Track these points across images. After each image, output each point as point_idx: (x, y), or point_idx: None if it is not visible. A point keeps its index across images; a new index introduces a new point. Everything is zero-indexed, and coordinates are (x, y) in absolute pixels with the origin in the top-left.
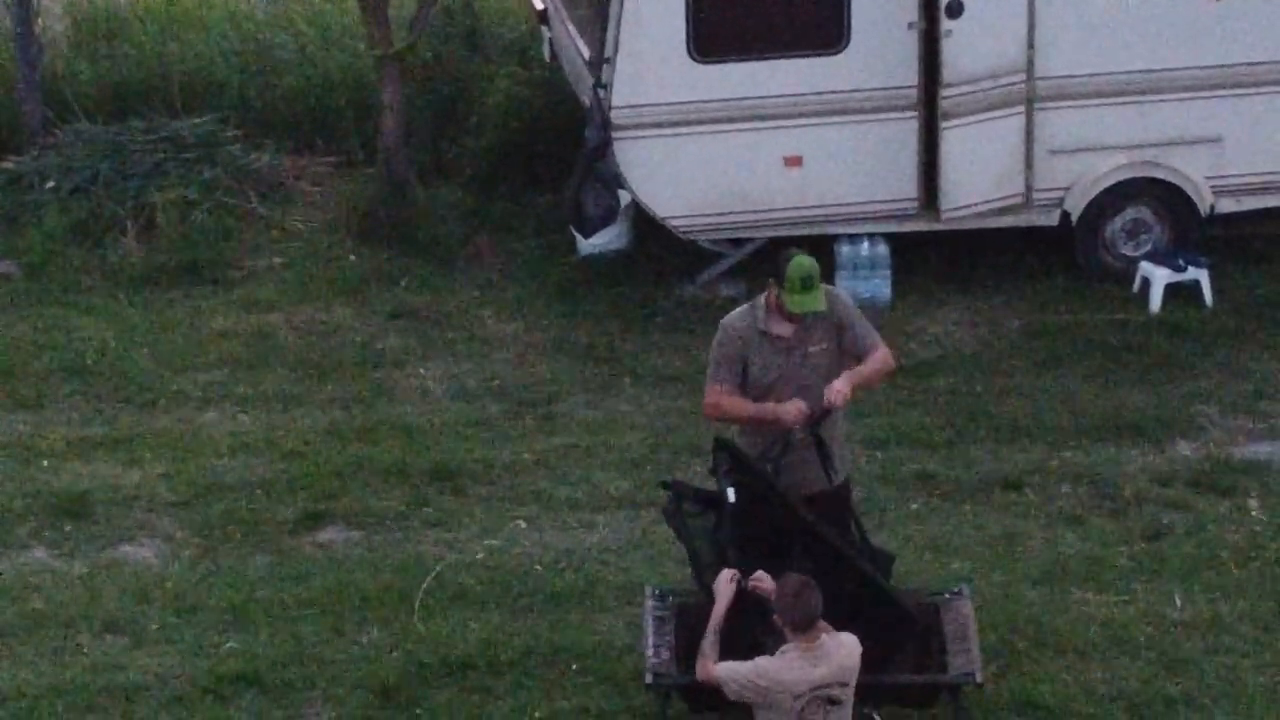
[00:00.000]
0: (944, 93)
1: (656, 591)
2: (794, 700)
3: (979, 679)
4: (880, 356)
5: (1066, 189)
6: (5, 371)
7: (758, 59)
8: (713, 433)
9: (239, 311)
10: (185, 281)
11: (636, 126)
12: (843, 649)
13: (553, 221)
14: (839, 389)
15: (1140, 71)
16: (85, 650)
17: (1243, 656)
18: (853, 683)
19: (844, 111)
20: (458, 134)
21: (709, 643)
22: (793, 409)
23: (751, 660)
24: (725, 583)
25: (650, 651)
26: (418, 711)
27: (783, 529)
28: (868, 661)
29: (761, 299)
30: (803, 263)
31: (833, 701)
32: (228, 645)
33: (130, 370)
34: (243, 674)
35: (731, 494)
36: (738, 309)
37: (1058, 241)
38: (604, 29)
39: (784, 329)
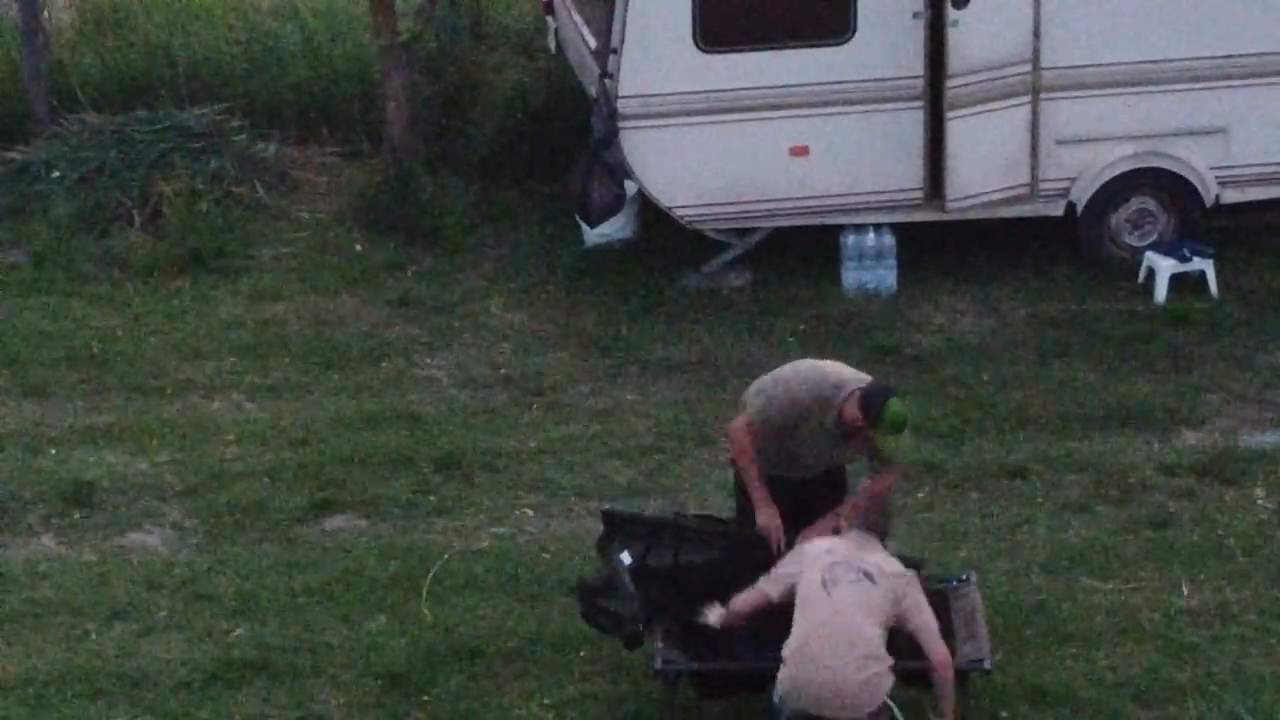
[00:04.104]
0: (950, 83)
1: None
2: (825, 554)
3: (988, 666)
4: (884, 483)
5: (1072, 179)
6: (12, 360)
7: (764, 49)
8: (720, 420)
9: (245, 301)
10: (191, 271)
11: (643, 116)
12: (893, 561)
13: (559, 211)
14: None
15: (1146, 62)
16: (94, 637)
17: (1250, 644)
18: (892, 577)
19: (850, 101)
20: (463, 124)
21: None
22: (771, 530)
23: None
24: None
25: (658, 638)
26: (425, 698)
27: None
28: None
29: (837, 407)
30: (900, 410)
31: (864, 574)
32: (236, 632)
33: (137, 359)
34: (251, 661)
35: (627, 556)
36: (809, 386)
37: (1063, 232)
38: (610, 19)
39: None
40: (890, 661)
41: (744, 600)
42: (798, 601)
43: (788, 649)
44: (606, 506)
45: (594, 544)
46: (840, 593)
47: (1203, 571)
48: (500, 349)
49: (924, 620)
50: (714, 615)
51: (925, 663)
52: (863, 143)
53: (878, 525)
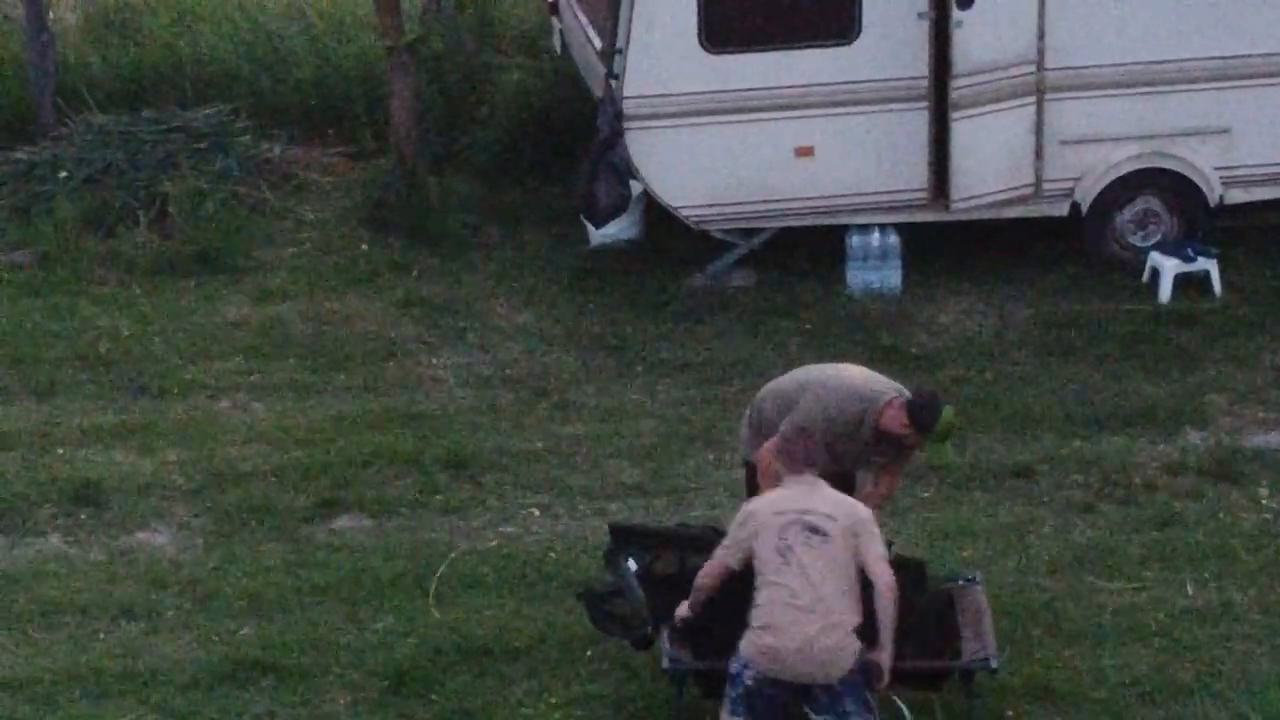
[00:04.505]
0: (954, 83)
1: None
2: (775, 516)
3: (994, 665)
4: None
5: (1076, 179)
6: (19, 360)
7: (769, 50)
8: (722, 426)
9: (251, 301)
10: (197, 271)
11: (648, 117)
12: (838, 496)
13: (564, 211)
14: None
15: (1150, 62)
16: (101, 637)
17: (1255, 643)
18: (844, 523)
19: (855, 102)
20: (469, 125)
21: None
22: None
23: None
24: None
25: (665, 637)
26: (433, 697)
27: None
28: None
29: (875, 417)
30: (953, 419)
31: (815, 530)
32: (243, 632)
33: (143, 359)
34: (259, 660)
35: (633, 564)
36: (844, 404)
37: (1067, 232)
38: (615, 20)
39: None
40: (857, 621)
41: (706, 573)
42: (757, 571)
43: (754, 619)
44: (612, 520)
45: (602, 556)
46: (798, 559)
47: (1208, 571)
48: (506, 349)
49: (876, 551)
50: (683, 609)
51: (932, 662)
52: (868, 143)
53: (811, 458)
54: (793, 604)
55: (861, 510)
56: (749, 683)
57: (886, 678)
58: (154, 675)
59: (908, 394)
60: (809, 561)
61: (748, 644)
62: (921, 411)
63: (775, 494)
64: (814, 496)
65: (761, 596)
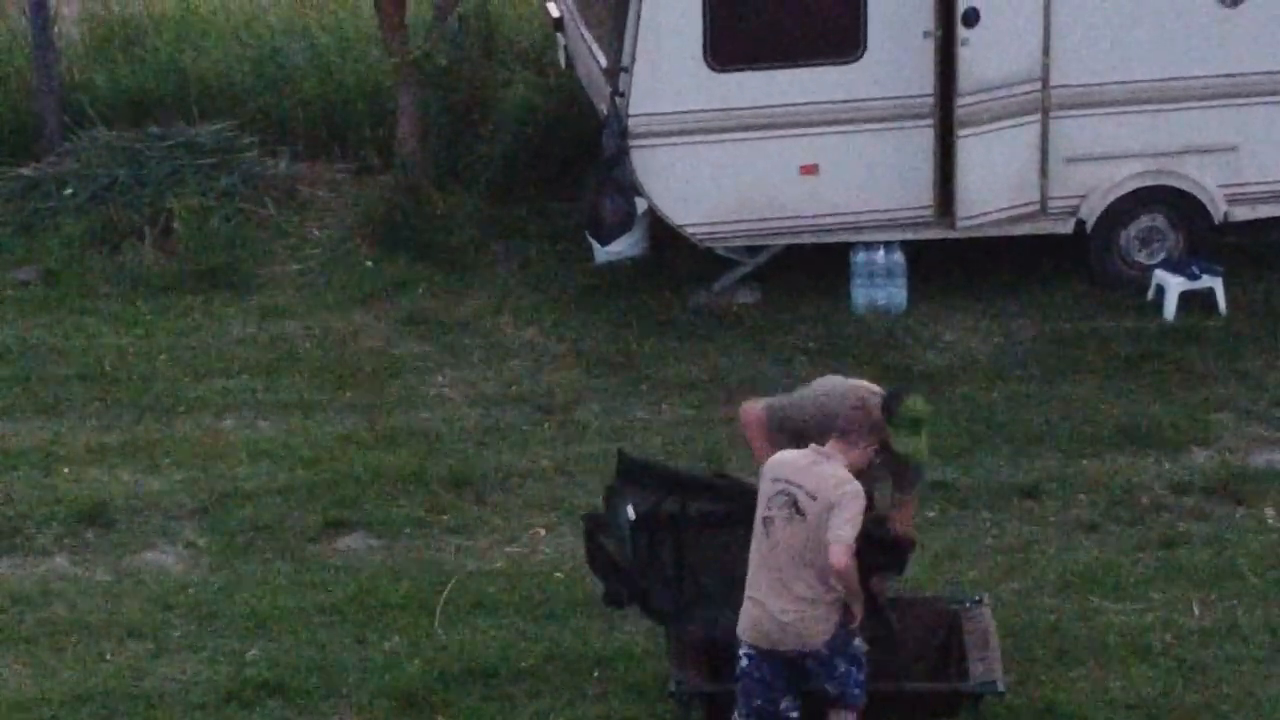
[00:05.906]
0: (960, 101)
1: None
2: (771, 483)
3: (1001, 687)
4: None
5: (1081, 197)
6: (24, 378)
7: (774, 68)
8: (727, 443)
9: (256, 318)
10: (203, 288)
11: (653, 134)
12: (830, 473)
13: (569, 228)
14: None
15: (1155, 80)
16: (108, 658)
17: (1262, 664)
18: (823, 502)
19: (860, 120)
20: (474, 141)
21: None
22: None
23: None
24: None
25: (672, 659)
26: (439, 718)
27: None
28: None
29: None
30: (917, 406)
31: (796, 508)
32: (250, 653)
33: (149, 377)
34: (265, 681)
35: (631, 511)
36: (833, 392)
37: (1072, 249)
38: (620, 37)
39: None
40: (834, 597)
41: None
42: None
43: (745, 587)
44: (623, 451)
45: (604, 490)
46: (775, 532)
47: (1214, 591)
48: (511, 366)
49: (836, 531)
50: None
51: (943, 684)
52: (873, 161)
53: (851, 431)
54: (764, 573)
55: (843, 490)
56: (743, 663)
57: (859, 618)
58: (161, 696)
59: None
60: (784, 539)
61: (740, 615)
62: (888, 397)
63: (789, 455)
64: (811, 470)
65: (749, 564)
